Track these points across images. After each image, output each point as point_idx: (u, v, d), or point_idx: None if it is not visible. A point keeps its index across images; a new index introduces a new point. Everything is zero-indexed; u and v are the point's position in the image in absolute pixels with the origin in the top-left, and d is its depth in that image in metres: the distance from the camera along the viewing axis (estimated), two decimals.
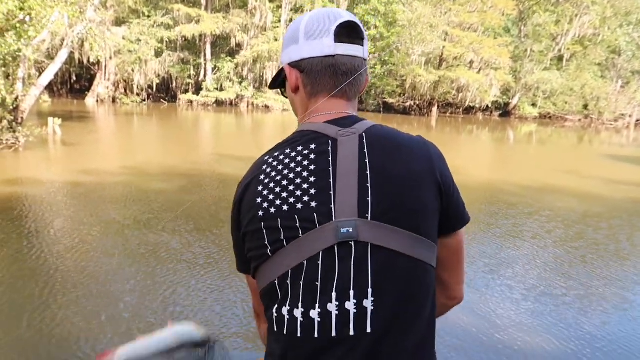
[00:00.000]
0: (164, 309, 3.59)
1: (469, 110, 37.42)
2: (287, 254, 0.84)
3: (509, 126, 29.93)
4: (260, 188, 0.89)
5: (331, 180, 0.85)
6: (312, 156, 0.88)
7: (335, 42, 0.92)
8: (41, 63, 14.68)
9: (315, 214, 0.83)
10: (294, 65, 0.96)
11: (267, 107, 30.81)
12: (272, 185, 0.88)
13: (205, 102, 30.64)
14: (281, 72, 1.02)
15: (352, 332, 0.79)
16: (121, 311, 3.50)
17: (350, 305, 0.80)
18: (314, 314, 0.80)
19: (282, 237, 0.84)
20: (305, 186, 0.86)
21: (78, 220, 5.68)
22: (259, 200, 0.88)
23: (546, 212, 7.29)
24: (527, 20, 36.85)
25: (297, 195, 0.85)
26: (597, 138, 25.46)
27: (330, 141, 0.89)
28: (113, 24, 27.81)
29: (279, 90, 1.09)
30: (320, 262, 0.81)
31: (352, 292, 0.80)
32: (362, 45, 0.96)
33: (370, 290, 0.80)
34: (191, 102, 30.84)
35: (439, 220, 0.89)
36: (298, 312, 0.81)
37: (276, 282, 0.85)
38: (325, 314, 0.80)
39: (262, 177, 0.90)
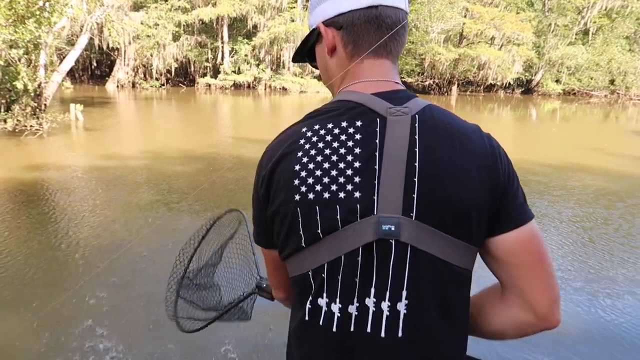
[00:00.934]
0: None
1: (490, 88, 36.71)
2: (323, 247, 0.79)
3: (532, 104, 29.29)
4: (297, 167, 0.80)
5: (376, 167, 0.78)
6: (358, 136, 0.79)
7: None
8: (62, 49, 14.85)
9: (358, 206, 0.77)
10: (329, 23, 0.86)
11: (284, 89, 30.73)
12: (311, 166, 0.79)
13: (223, 85, 30.70)
14: (308, 38, 0.92)
15: (383, 334, 0.77)
16: (147, 293, 3.58)
17: (384, 305, 0.77)
18: (352, 309, 0.78)
19: (319, 230, 0.78)
20: (349, 172, 0.78)
21: (100, 203, 5.79)
22: (296, 182, 0.79)
23: (567, 191, 7.16)
24: None
25: (340, 182, 0.78)
26: (623, 114, 24.76)
27: (378, 119, 0.80)
28: (131, 9, 27.90)
29: (300, 65, 1.02)
30: (359, 259, 0.77)
31: (387, 294, 0.77)
32: None
33: (405, 293, 0.77)
34: (209, 85, 30.94)
35: (493, 219, 0.80)
36: (335, 307, 0.79)
37: (310, 273, 0.81)
38: (362, 311, 0.77)
39: (299, 153, 0.81)
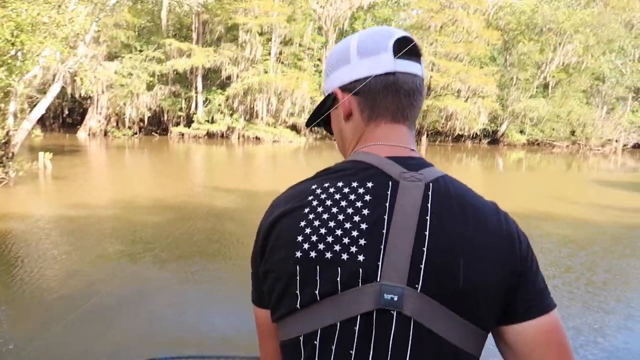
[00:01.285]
0: (150, 338, 3.54)
1: (458, 138, 37.88)
2: (319, 311, 0.73)
3: (498, 153, 30.29)
4: (303, 224, 0.76)
5: (384, 231, 0.73)
6: (368, 197, 0.76)
7: (395, 58, 0.81)
8: (33, 98, 14.77)
9: (360, 270, 0.71)
10: (346, 88, 0.85)
11: (257, 138, 31.02)
12: (317, 223, 0.76)
13: (196, 134, 30.81)
14: (323, 103, 0.90)
15: None
16: (108, 346, 3.45)
17: None
18: None
19: (317, 291, 0.73)
20: (354, 234, 0.74)
21: (66, 254, 5.63)
22: (299, 238, 0.75)
23: (536, 239, 7.34)
24: (512, 50, 37.78)
25: (344, 243, 0.73)
26: (585, 164, 25.81)
27: (390, 183, 0.77)
28: (105, 58, 28.18)
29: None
30: (357, 329, 0.71)
31: None
32: (420, 63, 0.86)
33: None
34: (182, 134, 31.00)
35: (509, 306, 0.75)
36: None
37: (301, 339, 0.74)
38: None
39: (306, 210, 0.77)
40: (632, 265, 6.17)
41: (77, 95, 25.96)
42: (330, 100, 0.89)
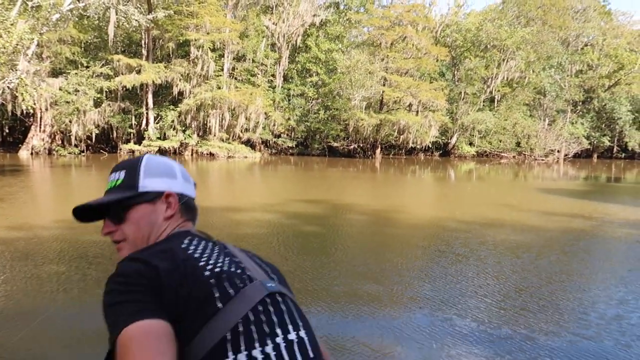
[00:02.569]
0: None
1: (411, 151, 38.75)
2: (234, 306, 0.97)
3: (449, 165, 31.12)
4: (199, 259, 1.07)
5: (237, 260, 1.13)
6: (216, 248, 1.14)
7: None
8: None
9: (246, 276, 1.06)
10: (175, 195, 1.20)
11: (212, 154, 30.58)
12: (205, 258, 1.08)
13: (147, 151, 30.00)
14: (136, 195, 1.17)
15: (300, 359, 0.96)
16: None
17: (292, 336, 0.98)
18: (269, 349, 0.94)
19: (231, 290, 1.00)
20: (227, 260, 1.10)
21: (8, 279, 5.26)
22: (201, 263, 1.07)
23: (486, 245, 7.51)
24: (459, 65, 39.24)
25: (228, 264, 1.09)
26: (530, 173, 26.90)
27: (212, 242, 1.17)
28: (49, 74, 27.08)
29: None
30: (261, 308, 1.00)
31: (290, 327, 1.00)
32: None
33: (300, 323, 1.03)
34: (133, 151, 30.12)
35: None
36: (257, 352, 0.92)
37: (228, 334, 0.93)
38: (277, 348, 0.94)
39: (193, 253, 1.09)
40: (575, 263, 6.42)
41: (18, 113, 24.77)
42: (152, 195, 1.17)
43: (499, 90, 39.89)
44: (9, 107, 23.51)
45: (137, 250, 1.09)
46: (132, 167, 1.21)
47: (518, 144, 40.44)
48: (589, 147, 44.92)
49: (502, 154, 40.38)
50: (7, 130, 32.09)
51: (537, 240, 8.01)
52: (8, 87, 13.18)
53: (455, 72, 39.88)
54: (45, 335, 3.84)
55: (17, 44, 11.81)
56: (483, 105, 39.99)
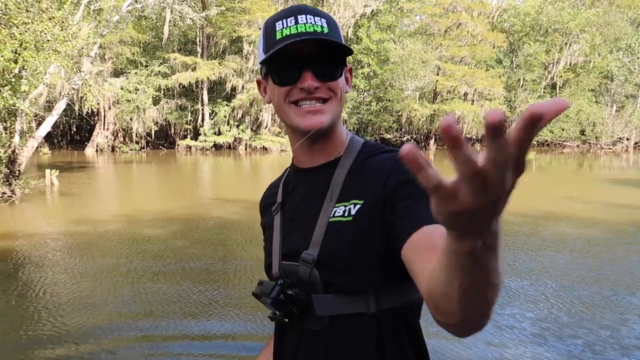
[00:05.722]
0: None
1: (466, 141, 37.59)
2: None
3: None
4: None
5: None
6: None
7: None
8: (37, 116, 14.82)
9: None
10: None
11: (265, 148, 30.99)
12: None
13: (203, 146, 30.85)
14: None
15: None
16: None
17: None
18: None
19: None
20: None
21: (72, 271, 5.53)
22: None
23: (549, 240, 7.13)
24: (517, 51, 37.56)
25: None
26: (596, 163, 25.43)
27: None
28: (111, 74, 28.35)
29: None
30: None
31: None
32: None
33: None
34: (190, 147, 31.06)
35: None
36: None
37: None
38: None
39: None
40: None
41: (84, 112, 26.11)
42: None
43: (561, 76, 37.83)
44: (76, 107, 24.80)
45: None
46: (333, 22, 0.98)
47: (582, 132, 38.27)
48: None
49: (565, 143, 38.37)
50: (74, 129, 33.92)
51: (605, 233, 7.51)
52: (74, 88, 13.84)
53: (514, 59, 38.21)
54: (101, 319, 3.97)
55: (82, 47, 12.36)
56: (544, 92, 38.11)
